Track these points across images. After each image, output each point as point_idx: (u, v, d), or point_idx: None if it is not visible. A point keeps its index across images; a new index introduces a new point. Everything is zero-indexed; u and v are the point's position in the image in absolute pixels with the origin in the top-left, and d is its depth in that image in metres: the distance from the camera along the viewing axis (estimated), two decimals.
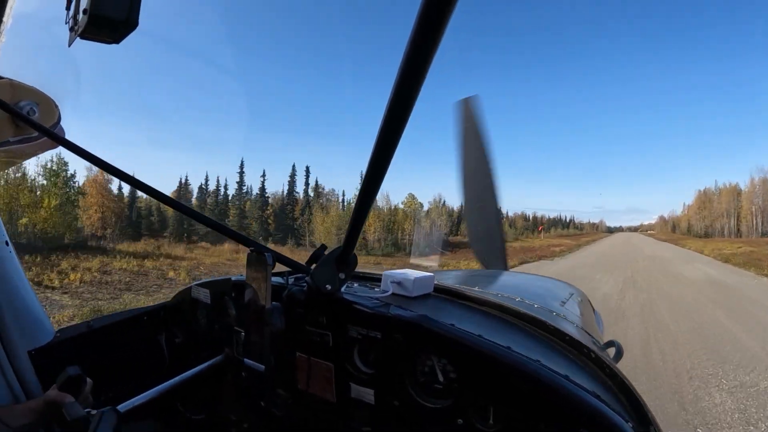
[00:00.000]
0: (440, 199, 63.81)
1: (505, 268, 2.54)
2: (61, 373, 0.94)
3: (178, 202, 1.07)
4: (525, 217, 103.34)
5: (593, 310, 2.02)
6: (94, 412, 0.91)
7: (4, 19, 0.99)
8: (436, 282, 1.26)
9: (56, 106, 1.08)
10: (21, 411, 0.91)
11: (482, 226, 2.64)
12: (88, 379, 0.97)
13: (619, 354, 1.41)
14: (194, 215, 1.08)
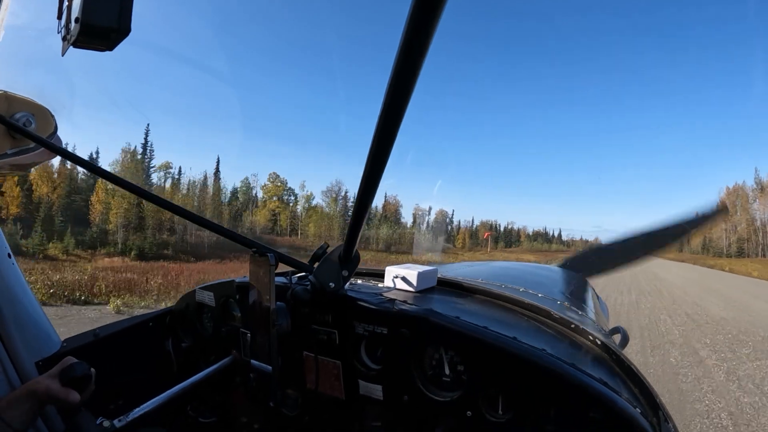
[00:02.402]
0: (339, 189, 60.14)
1: (575, 270, 2.67)
2: (66, 367, 0.92)
3: (182, 208, 1.07)
4: (492, 227, 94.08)
5: (597, 297, 2.02)
6: (106, 423, 0.92)
7: None
8: (439, 275, 1.26)
9: (52, 116, 1.08)
10: (8, 402, 0.89)
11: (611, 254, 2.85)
12: (92, 369, 0.97)
13: (625, 340, 1.41)
14: (196, 220, 1.08)
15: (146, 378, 1.22)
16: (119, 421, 0.95)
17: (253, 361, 1.13)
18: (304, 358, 1.14)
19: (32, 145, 1.07)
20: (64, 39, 0.93)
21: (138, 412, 1.00)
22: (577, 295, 1.64)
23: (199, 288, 1.28)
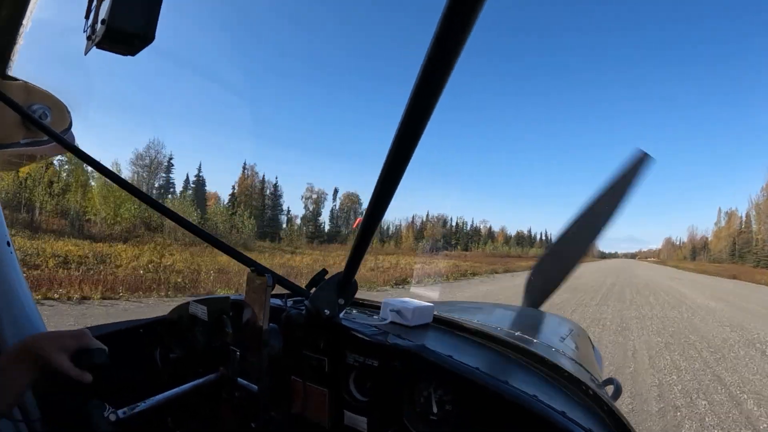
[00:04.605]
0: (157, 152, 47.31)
1: (535, 306, 2.43)
2: (84, 350, 0.89)
3: (180, 216, 1.06)
4: (445, 222, 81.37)
5: (593, 346, 1.99)
6: (112, 416, 0.89)
7: (24, 22, 1.00)
8: (435, 312, 1.25)
9: (68, 112, 1.08)
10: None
11: (551, 264, 2.51)
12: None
13: (618, 391, 1.38)
14: (196, 231, 1.07)
15: (131, 384, 1.20)
16: (124, 413, 0.93)
17: (240, 379, 1.11)
18: (291, 383, 1.12)
19: (45, 138, 1.07)
20: (88, 39, 0.93)
21: (119, 415, 0.99)
22: (572, 343, 1.61)
23: (193, 300, 1.27)
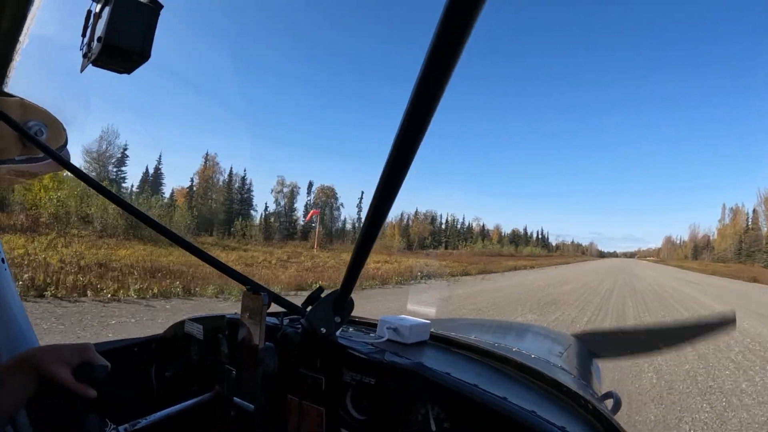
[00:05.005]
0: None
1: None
2: (87, 365, 0.87)
3: (176, 234, 1.05)
4: (433, 219, 76.20)
5: (591, 360, 1.98)
6: None
7: (21, 39, 1.00)
8: (432, 330, 1.24)
9: (64, 129, 1.08)
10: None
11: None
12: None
13: (617, 405, 1.36)
14: (191, 249, 1.06)
15: (125, 403, 1.19)
16: (125, 429, 0.93)
17: (235, 398, 1.10)
18: (287, 401, 1.11)
19: (41, 154, 1.06)
20: (84, 56, 0.93)
21: (144, 422, 0.98)
22: (570, 357, 1.60)
23: (189, 319, 1.26)
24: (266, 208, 58.26)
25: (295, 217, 60.15)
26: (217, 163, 53.30)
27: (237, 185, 54.20)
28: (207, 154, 53.26)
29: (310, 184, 63.76)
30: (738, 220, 73.21)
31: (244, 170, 55.30)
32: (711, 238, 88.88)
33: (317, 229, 49.99)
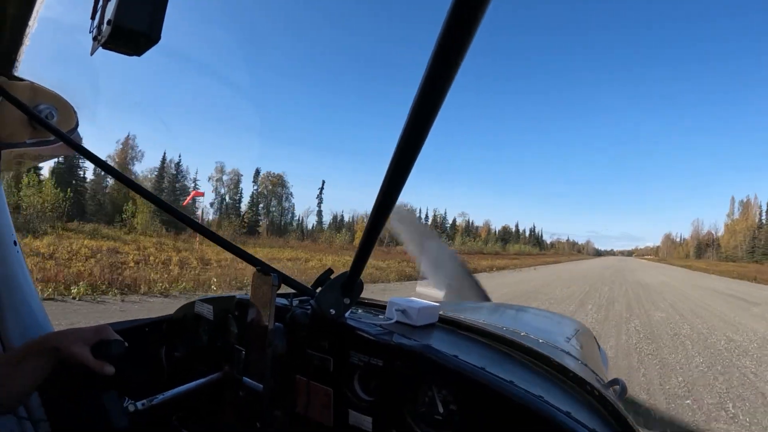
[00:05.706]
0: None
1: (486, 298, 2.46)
2: (104, 342, 0.90)
3: (188, 217, 1.07)
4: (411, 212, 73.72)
5: (598, 347, 1.99)
6: (131, 407, 0.92)
7: (30, 23, 1.00)
8: (441, 312, 1.25)
9: (74, 112, 1.08)
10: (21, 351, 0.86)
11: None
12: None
13: (623, 392, 1.37)
14: (203, 231, 1.07)
15: (136, 382, 1.21)
16: (143, 404, 0.95)
17: (244, 378, 1.11)
18: (296, 382, 1.13)
19: (51, 138, 1.07)
20: (94, 39, 0.93)
21: (160, 398, 1.01)
22: (578, 343, 1.60)
23: (199, 300, 1.28)
24: (220, 199, 52.93)
25: (239, 208, 53.01)
26: (136, 146, 47.88)
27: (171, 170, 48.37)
28: (128, 137, 47.69)
29: (257, 172, 56.92)
30: (750, 214, 67.19)
31: (179, 155, 50.89)
32: (715, 235, 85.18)
33: (200, 217, 39.52)
